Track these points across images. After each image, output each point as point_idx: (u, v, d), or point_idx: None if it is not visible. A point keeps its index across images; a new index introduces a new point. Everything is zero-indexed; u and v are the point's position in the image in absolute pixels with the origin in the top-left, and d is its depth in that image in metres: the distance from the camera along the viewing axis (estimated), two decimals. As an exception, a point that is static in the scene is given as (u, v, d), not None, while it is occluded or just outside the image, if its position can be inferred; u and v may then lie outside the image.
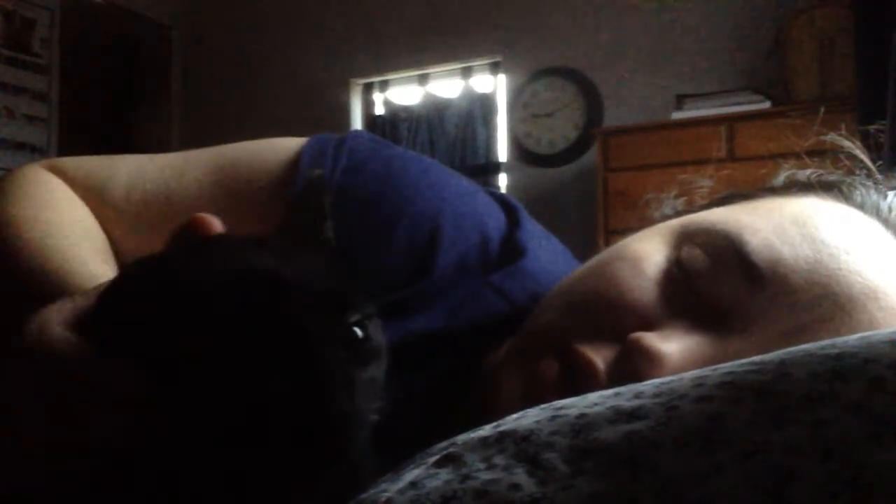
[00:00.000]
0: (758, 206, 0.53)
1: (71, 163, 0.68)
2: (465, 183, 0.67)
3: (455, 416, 0.57)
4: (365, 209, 0.61)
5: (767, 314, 0.47)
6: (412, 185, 0.63)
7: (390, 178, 0.63)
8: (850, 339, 0.32)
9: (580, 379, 0.47)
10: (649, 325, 0.48)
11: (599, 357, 0.48)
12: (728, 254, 0.48)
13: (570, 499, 0.27)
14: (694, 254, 0.49)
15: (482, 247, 0.63)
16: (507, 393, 0.51)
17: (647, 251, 0.52)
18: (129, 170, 0.67)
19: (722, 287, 0.48)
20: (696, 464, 0.26)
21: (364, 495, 0.32)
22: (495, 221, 0.65)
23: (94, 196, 0.65)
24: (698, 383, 0.31)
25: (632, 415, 0.30)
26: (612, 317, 0.49)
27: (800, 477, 0.25)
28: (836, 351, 0.30)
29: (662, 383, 0.33)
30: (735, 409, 0.28)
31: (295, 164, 0.63)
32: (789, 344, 0.44)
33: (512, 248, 0.63)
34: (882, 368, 0.28)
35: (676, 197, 0.63)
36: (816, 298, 0.46)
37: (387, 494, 0.31)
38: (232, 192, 0.64)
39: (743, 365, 0.32)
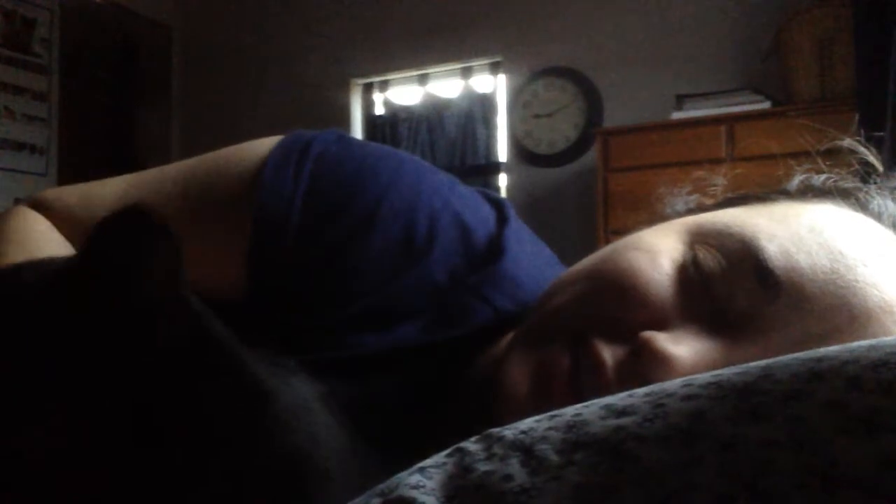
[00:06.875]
0: (773, 211, 0.52)
1: (53, 196, 0.70)
2: (442, 178, 0.66)
3: (441, 421, 0.57)
4: (336, 215, 0.60)
5: (780, 322, 0.46)
6: (383, 187, 0.62)
7: (359, 183, 0.62)
8: (834, 347, 0.33)
9: (586, 373, 0.47)
10: (661, 324, 0.47)
11: (609, 353, 0.47)
12: (743, 258, 0.48)
13: (558, 489, 0.28)
14: (709, 256, 0.49)
15: (464, 240, 0.62)
16: (515, 378, 0.50)
17: (664, 246, 0.51)
18: (115, 195, 0.68)
19: (736, 292, 0.47)
20: (677, 455, 0.27)
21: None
22: (479, 216, 0.64)
23: (76, 227, 0.67)
24: (686, 383, 0.32)
25: (622, 412, 0.31)
26: (625, 307, 0.48)
27: (774, 468, 0.26)
28: (819, 356, 0.31)
29: (655, 384, 0.34)
30: (717, 406, 0.29)
31: (259, 173, 0.62)
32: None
33: (493, 248, 0.63)
34: (859, 368, 0.29)
35: (689, 193, 0.63)
36: (831, 309, 0.46)
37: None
38: (200, 205, 0.63)
39: (732, 368, 0.33)
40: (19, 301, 0.33)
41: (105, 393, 0.32)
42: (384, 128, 4.11)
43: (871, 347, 0.31)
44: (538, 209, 3.43)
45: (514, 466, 0.30)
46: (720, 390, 0.30)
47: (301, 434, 0.37)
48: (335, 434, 0.39)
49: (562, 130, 3.55)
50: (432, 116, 4.02)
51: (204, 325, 0.36)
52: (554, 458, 0.29)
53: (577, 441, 0.30)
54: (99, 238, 0.32)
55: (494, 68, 3.83)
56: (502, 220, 0.65)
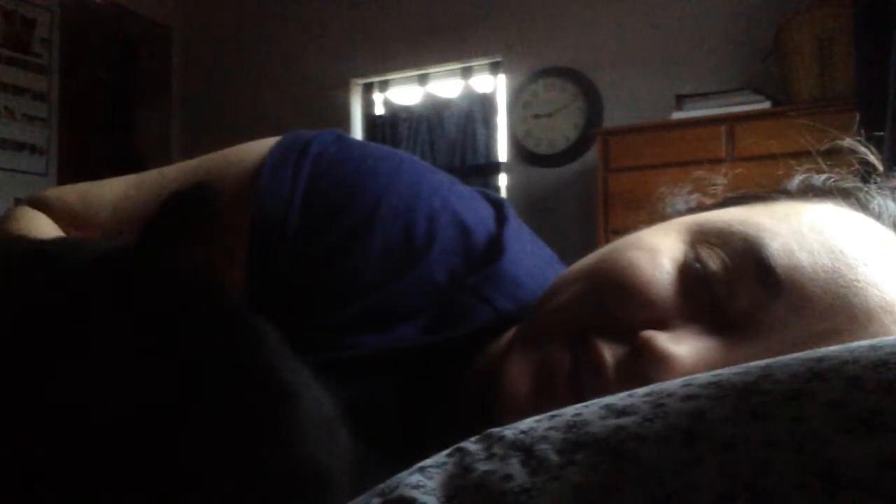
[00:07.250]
0: (774, 210, 0.52)
1: (54, 195, 0.71)
2: (442, 178, 0.66)
3: (441, 421, 0.57)
4: (335, 216, 0.60)
5: (781, 322, 0.46)
6: (382, 187, 0.62)
7: (358, 183, 0.62)
8: (834, 347, 0.33)
9: (587, 372, 0.47)
10: (662, 323, 0.47)
11: (609, 352, 0.47)
12: (746, 257, 0.48)
13: (558, 489, 0.28)
14: (710, 254, 0.49)
15: (463, 240, 0.62)
16: (515, 378, 0.50)
17: (665, 245, 0.51)
18: (115, 195, 0.68)
19: (737, 291, 0.47)
20: (677, 455, 0.27)
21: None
22: (478, 216, 0.64)
23: (78, 226, 0.67)
24: (686, 383, 0.32)
25: (622, 412, 0.31)
26: (625, 306, 0.48)
27: (774, 468, 0.26)
28: (819, 356, 0.31)
29: (655, 384, 0.34)
30: (717, 406, 0.29)
31: (257, 174, 0.62)
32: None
33: (493, 248, 0.62)
34: (860, 368, 0.29)
35: (689, 193, 0.62)
36: (832, 309, 0.46)
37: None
38: None
39: (732, 368, 0.33)
40: (45, 284, 0.33)
41: (109, 392, 0.31)
42: (384, 128, 4.11)
43: (872, 347, 0.31)
44: (538, 209, 3.43)
45: (515, 466, 0.30)
46: (720, 390, 0.30)
47: (315, 440, 0.37)
48: (342, 439, 0.39)
49: (562, 130, 3.55)
50: (432, 116, 4.02)
51: (245, 318, 0.36)
52: (554, 457, 0.29)
53: (577, 441, 0.30)
54: (157, 220, 0.32)
55: (494, 68, 3.83)
56: (502, 219, 0.65)
